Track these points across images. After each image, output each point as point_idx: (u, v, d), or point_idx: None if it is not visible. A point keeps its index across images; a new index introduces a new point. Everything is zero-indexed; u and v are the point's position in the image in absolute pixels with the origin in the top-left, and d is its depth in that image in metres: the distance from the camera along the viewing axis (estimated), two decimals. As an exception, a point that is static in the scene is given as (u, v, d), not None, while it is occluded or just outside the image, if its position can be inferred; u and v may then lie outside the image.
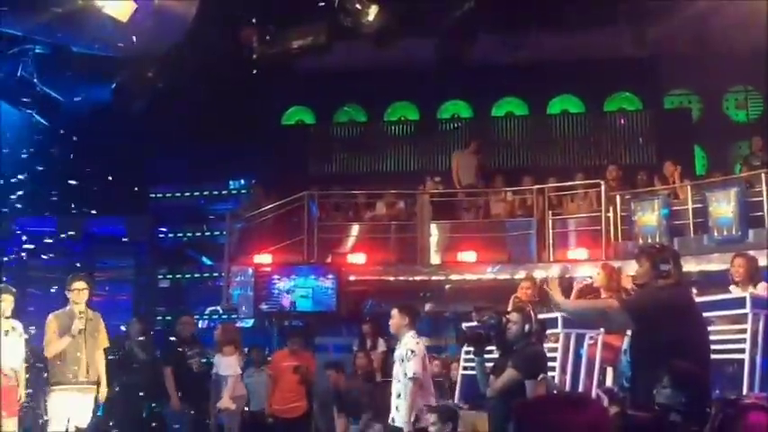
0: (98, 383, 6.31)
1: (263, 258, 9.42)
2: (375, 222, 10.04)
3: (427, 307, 9.60)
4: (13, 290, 6.60)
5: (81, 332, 6.19)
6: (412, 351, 5.51)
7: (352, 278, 9.33)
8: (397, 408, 5.59)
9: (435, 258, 9.43)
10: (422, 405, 5.46)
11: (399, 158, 12.00)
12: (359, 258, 9.43)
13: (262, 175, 11.12)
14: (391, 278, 9.40)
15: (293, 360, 7.60)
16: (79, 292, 6.23)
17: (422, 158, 11.85)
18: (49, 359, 6.25)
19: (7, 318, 6.45)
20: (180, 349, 7.91)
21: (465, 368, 6.80)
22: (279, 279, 9.19)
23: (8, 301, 6.42)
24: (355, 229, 9.95)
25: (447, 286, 9.50)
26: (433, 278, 9.39)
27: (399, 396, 5.56)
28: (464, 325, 6.00)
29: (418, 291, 9.41)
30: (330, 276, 9.10)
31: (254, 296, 9.27)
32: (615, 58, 10.42)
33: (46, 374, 6.44)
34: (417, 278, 9.38)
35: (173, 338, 8.32)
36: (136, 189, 10.44)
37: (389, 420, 5.68)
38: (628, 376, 4.60)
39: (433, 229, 9.56)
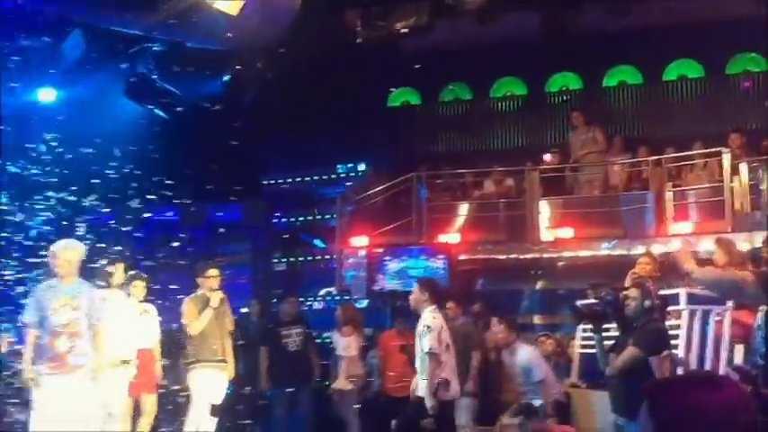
0: (227, 363, 6.76)
1: (374, 240, 9.56)
2: (484, 201, 9.96)
3: (539, 285, 9.46)
4: (145, 275, 7.07)
5: (215, 314, 6.66)
6: (428, 327, 5.61)
7: (462, 258, 9.31)
8: (417, 384, 5.76)
9: (546, 235, 9.24)
10: (440, 379, 5.57)
11: (507, 135, 11.80)
12: (469, 238, 9.40)
13: (370, 158, 11.26)
14: (501, 257, 9.32)
15: (400, 340, 7.68)
16: (213, 279, 6.74)
17: (530, 134, 11.61)
18: (189, 338, 6.74)
19: (141, 302, 6.92)
20: (277, 329, 8.21)
21: (583, 346, 6.67)
22: (390, 260, 9.30)
23: (141, 287, 6.92)
24: (464, 209, 9.91)
25: (560, 263, 9.31)
26: (545, 256, 9.22)
27: (420, 372, 5.70)
28: (580, 302, 5.89)
29: (529, 268, 9.28)
30: (440, 257, 9.12)
31: (366, 277, 9.45)
32: (735, 18, 9.78)
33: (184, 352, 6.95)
34: (528, 256, 9.24)
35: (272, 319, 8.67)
36: (251, 177, 10.85)
37: (412, 391, 5.95)
38: (762, 353, 4.38)
39: (544, 205, 9.38)
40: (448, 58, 11.04)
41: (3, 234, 8.57)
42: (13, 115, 9.62)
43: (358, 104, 10.94)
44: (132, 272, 6.97)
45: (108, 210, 9.22)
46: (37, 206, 9.67)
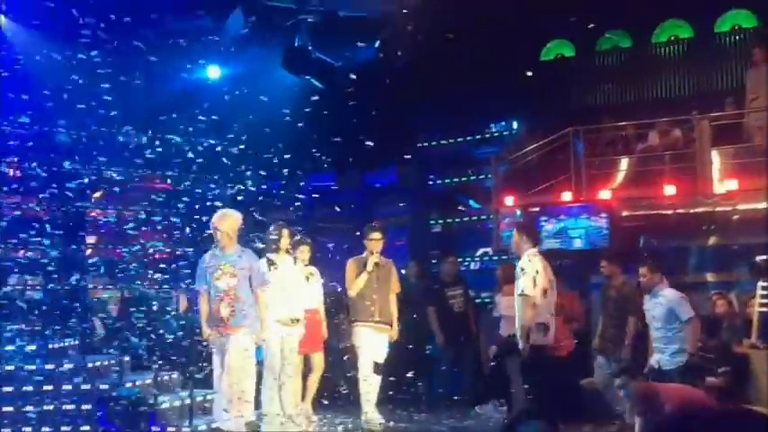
0: (390, 324, 7.02)
1: (530, 199, 9.39)
2: (648, 154, 9.45)
3: (712, 240, 8.89)
4: (309, 240, 7.44)
5: (375, 276, 6.94)
6: (522, 269, 5.82)
7: (625, 215, 8.93)
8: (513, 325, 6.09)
9: (719, 188, 8.63)
10: (535, 323, 5.72)
11: (672, 82, 11.10)
12: (631, 193, 8.98)
13: (524, 116, 11.03)
14: (669, 212, 8.82)
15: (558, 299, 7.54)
16: (376, 241, 7.03)
17: (698, 80, 10.85)
18: (351, 298, 7.09)
19: (306, 265, 7.31)
20: (442, 290, 8.36)
21: (763, 305, 6.23)
22: (548, 219, 9.10)
23: (306, 251, 7.30)
24: (625, 163, 9.46)
25: (734, 217, 8.66)
26: (717, 209, 8.62)
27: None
28: (758, 258, 5.51)
29: (700, 223, 8.73)
30: (602, 214, 8.79)
31: (524, 237, 9.30)
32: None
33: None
34: (699, 210, 8.68)
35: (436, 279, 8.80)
36: (406, 140, 11.01)
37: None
38: None
39: (715, 155, 8.75)
40: (605, 5, 10.50)
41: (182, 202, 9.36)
42: (185, 93, 10.37)
43: (510, 61, 10.70)
44: (298, 237, 7.37)
45: (272, 179, 9.75)
46: (208, 178, 10.40)
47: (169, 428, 6.26)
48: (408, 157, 11.23)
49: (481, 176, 11.03)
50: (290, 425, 6.71)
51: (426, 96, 10.75)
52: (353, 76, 9.51)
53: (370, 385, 6.87)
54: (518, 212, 9.45)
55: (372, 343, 6.98)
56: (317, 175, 11.04)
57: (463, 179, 11.48)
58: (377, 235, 7.09)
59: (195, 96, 9.93)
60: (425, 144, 11.67)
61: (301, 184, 10.41)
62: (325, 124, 9.51)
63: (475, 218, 11.30)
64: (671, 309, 6.24)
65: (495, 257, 10.14)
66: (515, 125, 11.22)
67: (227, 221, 6.22)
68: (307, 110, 9.43)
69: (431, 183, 11.72)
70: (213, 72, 11.34)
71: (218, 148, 10.90)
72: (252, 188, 9.43)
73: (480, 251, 10.94)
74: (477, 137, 11.42)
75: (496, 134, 11.38)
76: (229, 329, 6.07)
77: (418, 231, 11.55)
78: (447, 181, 11.65)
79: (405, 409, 7.80)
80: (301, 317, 6.94)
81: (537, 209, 9.31)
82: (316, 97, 9.97)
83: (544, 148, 9.60)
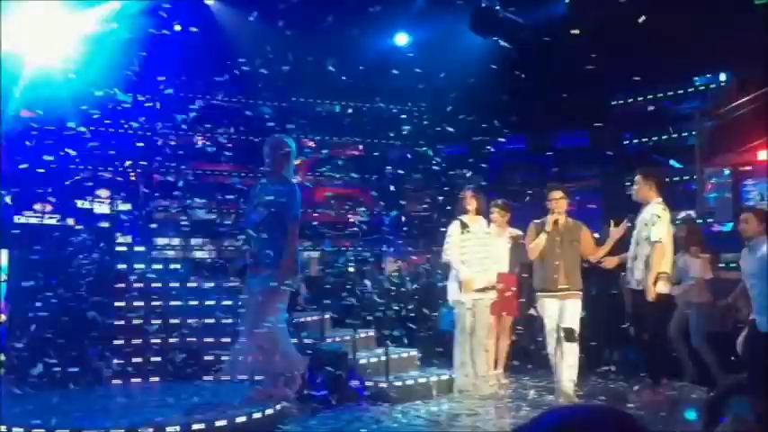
0: (581, 291, 6.49)
1: (740, 158, 8.63)
2: None
3: None
4: (504, 202, 7.43)
5: (557, 238, 6.46)
6: (658, 216, 5.86)
7: None
8: (632, 270, 6.29)
9: None
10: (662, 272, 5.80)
11: None
12: None
13: (733, 67, 10.10)
14: None
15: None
16: (557, 201, 6.52)
17: None
18: (533, 263, 6.71)
19: (501, 228, 7.31)
20: None
21: None
22: (761, 179, 8.33)
23: (500, 214, 7.29)
24: None
25: None
26: None
27: (636, 258, 6.21)
28: None
29: None
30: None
31: (732, 198, 8.61)
32: None
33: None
34: None
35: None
36: (598, 99, 10.53)
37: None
38: None
39: None
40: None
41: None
42: (374, 61, 10.62)
43: (718, 7, 9.80)
44: (494, 201, 7.36)
45: (462, 143, 9.78)
46: (399, 144, 10.61)
47: (367, 383, 6.55)
48: (601, 116, 10.75)
49: (683, 134, 10.30)
50: (482, 387, 6.76)
51: (620, 51, 10.17)
52: (543, 35, 9.22)
53: (565, 353, 6.39)
54: (726, 172, 8.73)
55: (556, 312, 6.48)
56: (508, 138, 10.89)
57: (662, 137, 10.79)
58: (557, 194, 6.56)
59: (384, 64, 10.15)
60: (620, 102, 11.09)
61: (491, 148, 10.32)
62: (514, 86, 9.33)
63: (676, 178, 10.59)
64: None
65: (700, 220, 9.47)
66: (723, 77, 10.31)
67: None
68: (495, 72, 9.31)
69: (626, 143, 11.15)
70: (401, 39, 11.54)
71: (407, 115, 11.12)
72: (443, 153, 9.53)
73: (682, 214, 10.26)
74: (680, 92, 10.64)
75: (701, 88, 10.54)
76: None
77: (612, 194, 11.05)
78: (644, 140, 11.02)
79: (602, 378, 7.48)
80: (492, 280, 6.93)
81: (749, 168, 8.55)
82: (503, 58, 9.83)
83: (757, 101, 8.75)
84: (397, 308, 7.11)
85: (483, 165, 9.95)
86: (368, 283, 9.30)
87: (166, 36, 8.36)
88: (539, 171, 10.84)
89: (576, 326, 6.43)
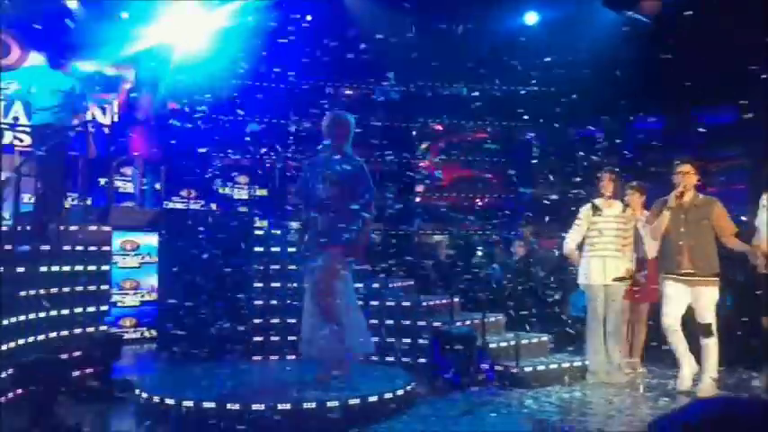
0: (716, 276, 5.94)
1: None
2: None
3: None
4: (639, 185, 7.13)
5: (682, 216, 5.99)
6: None
7: None
8: None
9: None
10: None
11: None
12: None
13: None
14: None
15: None
16: (683, 175, 6.02)
17: None
18: (660, 248, 6.30)
19: (639, 212, 7.03)
20: None
21: None
22: None
23: (636, 197, 7.00)
24: None
25: None
26: None
27: None
28: None
29: None
30: None
31: None
32: None
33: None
34: None
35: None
36: (747, 73, 9.82)
37: None
38: None
39: None
40: None
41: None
42: (503, 42, 10.47)
43: None
44: (629, 183, 7.08)
45: (597, 123, 9.46)
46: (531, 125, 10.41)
47: (497, 367, 6.53)
48: (750, 91, 10.02)
49: None
50: (616, 375, 6.55)
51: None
52: (682, 7, 8.71)
53: (703, 350, 5.92)
54: None
55: (682, 298, 5.97)
56: (644, 117, 10.42)
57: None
58: (685, 167, 6.01)
59: (513, 44, 10.00)
60: (771, 75, 10.28)
61: (627, 127, 9.92)
62: (651, 62, 8.90)
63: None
64: None
65: None
66: None
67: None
68: (630, 48, 8.93)
69: (777, 118, 10.34)
70: (530, 18, 11.30)
71: (537, 96, 10.87)
72: (576, 134, 9.27)
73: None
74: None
75: None
76: None
77: (761, 173, 10.32)
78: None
79: (749, 369, 6.94)
80: (629, 267, 6.67)
81: None
82: (638, 34, 9.39)
83: None
84: (526, 292, 7.01)
85: (618, 145, 9.60)
86: (496, 266, 9.24)
87: (297, 25, 8.64)
88: (678, 151, 10.29)
89: (711, 319, 5.90)
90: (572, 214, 6.91)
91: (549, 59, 9.29)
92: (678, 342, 6.02)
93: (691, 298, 5.96)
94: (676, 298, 5.99)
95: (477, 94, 11.84)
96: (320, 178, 5.44)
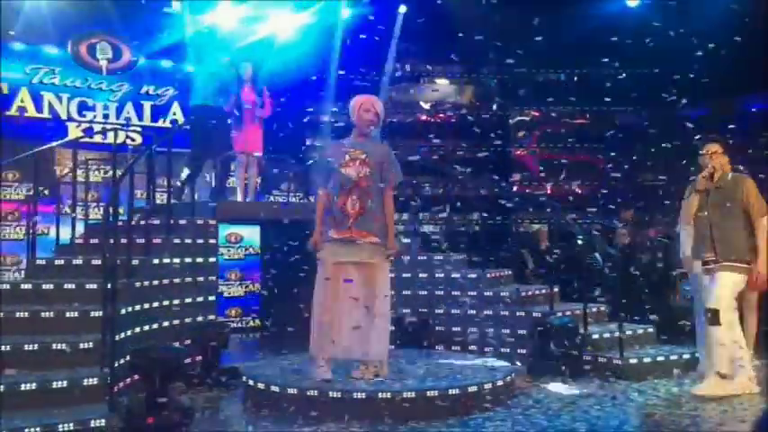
0: (747, 263, 5.48)
1: None
2: None
3: None
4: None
5: (708, 200, 5.63)
6: None
7: None
8: None
9: None
10: None
11: None
12: None
13: None
14: None
15: None
16: (710, 155, 5.69)
17: None
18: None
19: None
20: None
21: None
22: None
23: None
24: None
25: None
26: None
27: None
28: None
29: None
30: None
31: None
32: None
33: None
34: None
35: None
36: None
37: None
38: None
39: None
40: None
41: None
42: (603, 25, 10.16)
43: None
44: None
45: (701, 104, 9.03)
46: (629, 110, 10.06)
47: (600, 359, 6.38)
48: None
49: None
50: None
51: None
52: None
53: (706, 338, 5.53)
54: None
55: (706, 287, 5.59)
56: (755, 97, 9.87)
57: None
58: (713, 146, 5.69)
59: (614, 27, 9.68)
60: None
61: (736, 107, 9.43)
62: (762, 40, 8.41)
63: None
64: None
65: None
66: None
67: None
68: (738, 26, 8.46)
69: None
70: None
71: (639, 79, 10.49)
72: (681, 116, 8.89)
73: None
74: None
75: None
76: None
77: None
78: None
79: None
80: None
81: None
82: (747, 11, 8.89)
83: None
84: (630, 280, 6.78)
85: (727, 128, 9.12)
86: (598, 255, 9.00)
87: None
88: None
89: (719, 306, 5.41)
90: (675, 199, 6.61)
91: (652, 41, 8.95)
92: (712, 342, 5.51)
93: (710, 286, 5.57)
94: (703, 288, 5.67)
95: (576, 78, 11.57)
96: (342, 162, 5.20)
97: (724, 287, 5.46)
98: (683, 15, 9.24)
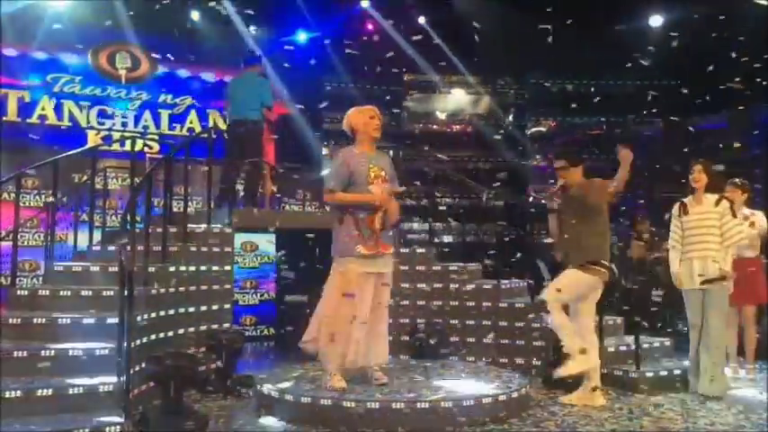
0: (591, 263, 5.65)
1: None
2: None
3: None
4: (741, 182, 6.76)
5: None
6: None
7: None
8: None
9: None
10: None
11: None
12: None
13: None
14: None
15: None
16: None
17: None
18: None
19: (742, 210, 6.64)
20: None
21: None
22: None
23: (739, 194, 6.61)
24: None
25: None
26: None
27: None
28: None
29: None
30: None
31: None
32: None
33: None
34: None
35: None
36: None
37: None
38: None
39: None
40: None
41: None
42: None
43: None
44: (730, 179, 6.70)
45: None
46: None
47: (616, 371, 6.33)
48: None
49: None
50: (710, 387, 5.93)
51: None
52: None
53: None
54: None
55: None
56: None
57: None
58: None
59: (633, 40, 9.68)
60: None
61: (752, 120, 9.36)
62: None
63: None
64: None
65: None
66: None
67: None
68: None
69: None
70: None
71: (654, 89, 10.44)
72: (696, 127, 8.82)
73: None
74: None
75: None
76: None
77: None
78: None
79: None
80: (721, 269, 6.13)
81: None
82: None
83: None
84: (645, 294, 6.74)
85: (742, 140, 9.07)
86: (613, 267, 8.92)
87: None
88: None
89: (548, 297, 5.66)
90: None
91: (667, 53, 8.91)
92: None
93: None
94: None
95: (593, 89, 11.56)
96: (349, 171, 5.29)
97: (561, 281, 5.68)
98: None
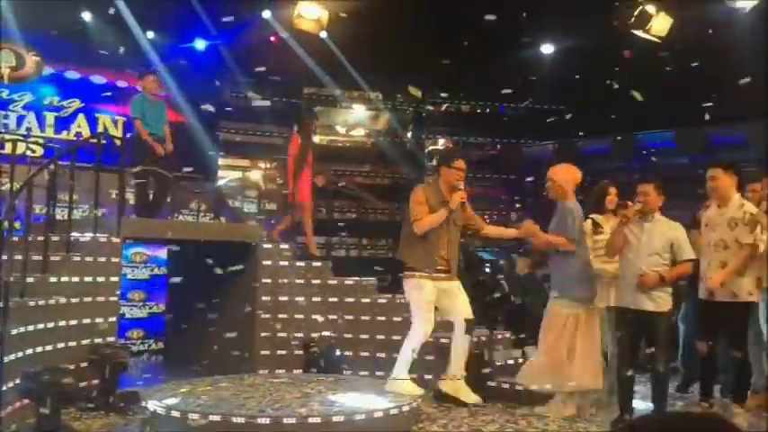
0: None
1: None
2: None
3: None
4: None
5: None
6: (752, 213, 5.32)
7: None
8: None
9: None
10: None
11: None
12: None
13: None
14: None
15: None
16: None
17: None
18: None
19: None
20: None
21: None
22: None
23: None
24: None
25: None
26: None
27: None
28: None
29: None
30: None
31: None
32: None
33: None
34: None
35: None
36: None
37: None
38: None
39: None
40: None
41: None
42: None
43: None
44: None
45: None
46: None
47: (503, 384, 6.51)
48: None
49: None
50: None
51: None
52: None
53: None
54: None
55: None
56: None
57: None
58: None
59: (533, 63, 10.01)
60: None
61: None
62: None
63: None
64: None
65: None
66: None
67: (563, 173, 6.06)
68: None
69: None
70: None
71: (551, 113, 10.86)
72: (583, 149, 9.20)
73: None
74: None
75: None
76: None
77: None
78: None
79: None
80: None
81: None
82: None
83: None
84: (531, 308, 6.97)
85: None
86: (504, 283, 9.21)
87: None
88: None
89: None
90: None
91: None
92: None
93: None
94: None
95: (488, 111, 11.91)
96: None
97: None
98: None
